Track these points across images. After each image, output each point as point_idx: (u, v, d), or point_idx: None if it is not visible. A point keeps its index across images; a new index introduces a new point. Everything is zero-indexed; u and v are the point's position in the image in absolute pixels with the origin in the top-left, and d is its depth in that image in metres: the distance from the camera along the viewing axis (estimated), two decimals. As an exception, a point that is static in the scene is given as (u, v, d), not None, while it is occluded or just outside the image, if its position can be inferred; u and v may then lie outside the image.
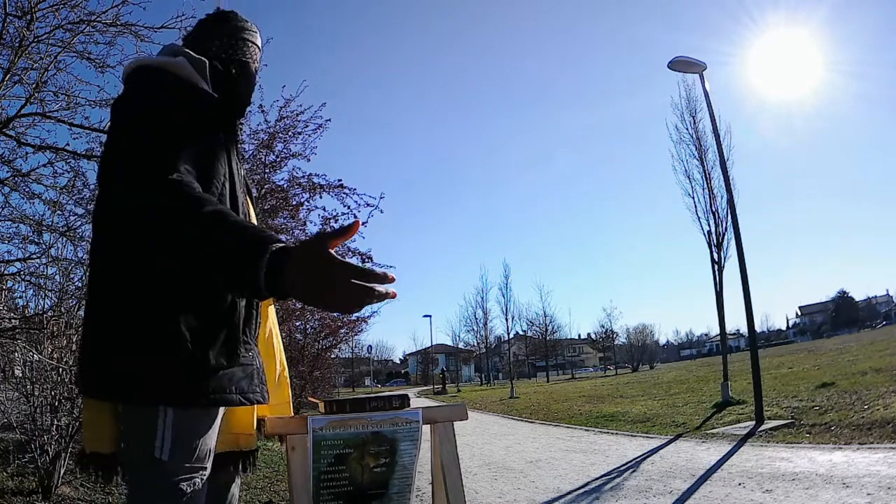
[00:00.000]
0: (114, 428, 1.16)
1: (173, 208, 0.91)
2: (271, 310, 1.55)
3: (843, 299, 73.36)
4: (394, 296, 0.86)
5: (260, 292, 0.85)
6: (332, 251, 0.84)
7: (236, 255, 0.86)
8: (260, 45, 1.43)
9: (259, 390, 1.25)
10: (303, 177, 6.01)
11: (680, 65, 8.60)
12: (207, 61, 1.25)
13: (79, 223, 4.08)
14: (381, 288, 0.83)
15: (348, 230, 0.88)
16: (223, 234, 0.88)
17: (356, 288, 0.82)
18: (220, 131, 1.20)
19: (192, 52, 1.24)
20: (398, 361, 79.68)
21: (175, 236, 0.91)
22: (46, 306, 4.29)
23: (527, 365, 61.62)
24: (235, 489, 1.47)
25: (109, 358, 1.07)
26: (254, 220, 1.43)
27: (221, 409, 1.22)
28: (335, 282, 0.82)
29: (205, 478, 1.15)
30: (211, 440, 1.17)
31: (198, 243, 0.89)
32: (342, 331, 12.34)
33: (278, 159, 5.86)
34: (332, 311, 0.99)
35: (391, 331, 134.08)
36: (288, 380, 1.57)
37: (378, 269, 0.85)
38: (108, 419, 1.16)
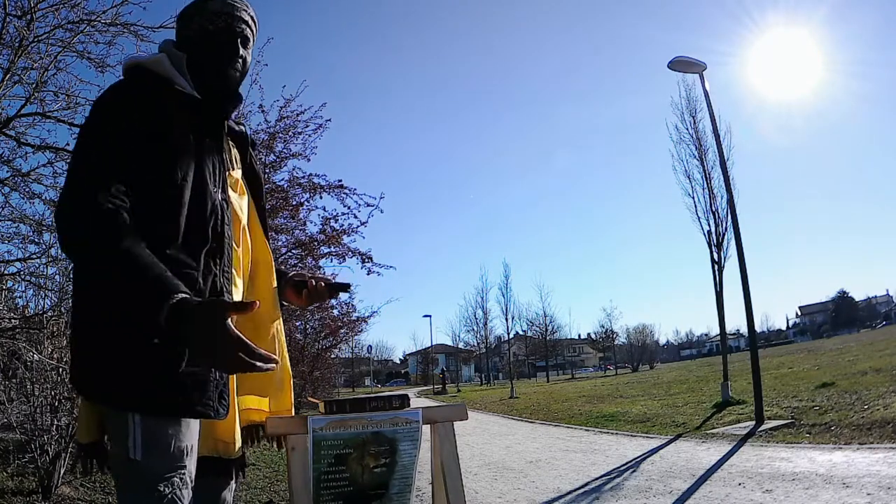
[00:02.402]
0: (92, 420, 1.22)
1: (92, 239, 1.00)
2: (278, 319, 1.49)
3: (843, 299, 73.37)
4: (273, 368, 0.98)
5: (159, 333, 0.96)
6: (229, 321, 0.95)
7: (141, 297, 0.97)
8: (239, 16, 1.34)
9: (212, 404, 1.18)
10: (303, 177, 6.01)
11: (680, 65, 8.60)
12: (185, 55, 1.28)
13: (79, 223, 4.07)
14: (261, 365, 0.95)
15: (248, 307, 0.97)
16: (131, 275, 0.97)
17: (241, 360, 0.94)
18: (194, 126, 1.21)
19: (173, 49, 1.29)
20: (398, 361, 79.66)
21: (92, 266, 1.02)
22: (46, 306, 4.29)
23: (527, 365, 61.61)
24: (228, 496, 1.42)
25: (77, 360, 1.16)
26: (242, 219, 1.37)
27: None
28: (225, 349, 0.94)
29: (185, 477, 1.13)
30: (187, 439, 1.14)
31: (109, 277, 1.00)
32: (342, 331, 12.34)
33: (278, 159, 5.86)
34: (215, 368, 1.08)
35: (391, 331, 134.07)
36: (291, 388, 1.50)
37: (264, 352, 0.96)
38: (86, 412, 1.23)
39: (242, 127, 1.46)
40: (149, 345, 1.06)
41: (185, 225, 1.16)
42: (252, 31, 1.36)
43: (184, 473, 1.13)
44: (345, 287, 1.67)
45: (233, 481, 1.44)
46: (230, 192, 1.32)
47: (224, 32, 1.30)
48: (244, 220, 1.39)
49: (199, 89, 1.27)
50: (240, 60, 1.33)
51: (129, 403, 1.10)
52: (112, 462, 1.15)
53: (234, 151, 1.41)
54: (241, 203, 1.38)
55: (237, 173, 1.39)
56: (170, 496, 1.09)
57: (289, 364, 1.51)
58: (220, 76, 1.30)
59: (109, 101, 1.18)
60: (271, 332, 1.45)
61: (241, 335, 0.96)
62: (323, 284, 1.56)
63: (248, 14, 1.35)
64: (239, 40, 1.31)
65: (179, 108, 1.20)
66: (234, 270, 1.33)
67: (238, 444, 1.35)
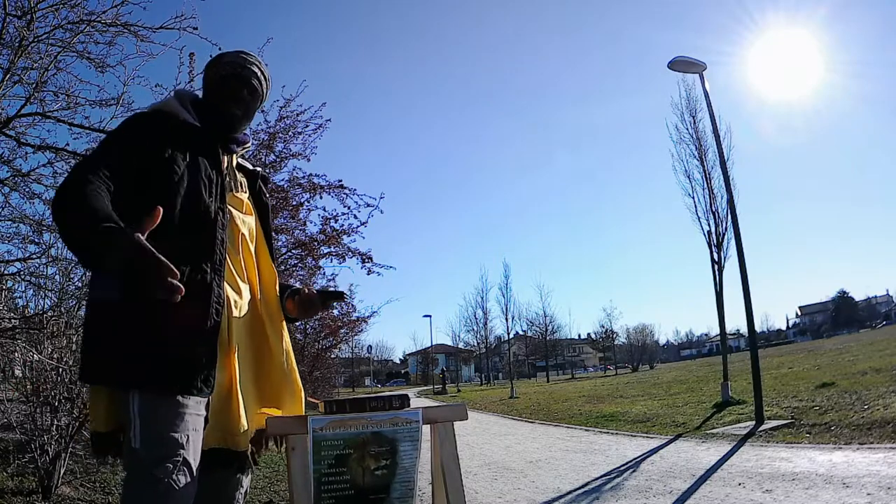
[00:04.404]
0: (111, 409, 1.30)
1: (67, 185, 1.21)
2: (286, 332, 1.58)
3: (843, 299, 73.36)
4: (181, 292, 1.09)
5: (95, 259, 1.12)
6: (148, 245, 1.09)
7: (75, 233, 1.15)
8: (248, 68, 1.53)
9: (196, 383, 1.28)
10: (303, 177, 6.00)
11: (680, 65, 8.59)
12: (188, 94, 1.53)
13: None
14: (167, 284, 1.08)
15: (154, 216, 1.16)
16: (74, 219, 1.15)
17: (155, 273, 1.07)
18: (194, 147, 1.40)
19: (182, 92, 1.55)
20: (398, 361, 79.68)
21: (60, 205, 1.19)
22: (46, 306, 4.29)
23: (527, 365, 61.60)
24: (241, 488, 1.49)
25: (85, 350, 1.32)
26: (242, 230, 1.52)
27: (199, 402, 1.29)
28: (143, 263, 1.08)
29: (180, 466, 1.21)
30: (182, 430, 1.23)
31: (63, 227, 1.18)
32: (342, 331, 12.34)
33: (278, 159, 5.84)
34: (145, 288, 1.10)
35: (391, 331, 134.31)
36: (302, 399, 1.56)
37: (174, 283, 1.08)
38: (105, 403, 1.30)
39: (258, 169, 1.68)
40: (140, 331, 1.22)
41: (178, 227, 1.31)
42: (260, 82, 1.55)
43: (178, 460, 1.21)
44: (338, 296, 1.66)
45: (245, 478, 1.51)
46: (234, 209, 1.49)
47: (231, 77, 1.51)
48: (244, 231, 1.53)
49: (203, 123, 1.47)
50: (243, 102, 1.51)
51: (127, 380, 1.24)
52: (123, 457, 1.26)
53: (242, 179, 1.59)
54: (244, 219, 1.54)
55: (242, 195, 1.57)
56: (165, 480, 1.18)
57: (298, 376, 1.57)
58: (224, 113, 1.49)
59: (119, 127, 1.42)
60: (283, 342, 1.56)
61: (154, 253, 1.08)
62: (315, 292, 1.62)
63: (258, 68, 1.55)
64: (245, 88, 1.51)
65: (181, 133, 1.40)
66: (231, 271, 1.45)
67: (245, 437, 1.41)
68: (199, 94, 1.61)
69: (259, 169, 1.69)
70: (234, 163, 1.57)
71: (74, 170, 1.28)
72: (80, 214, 1.14)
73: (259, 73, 1.54)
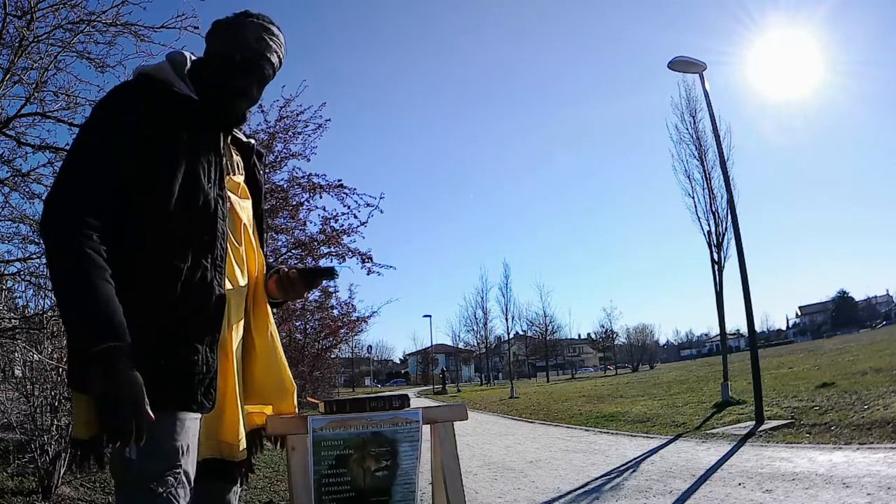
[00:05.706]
0: (92, 414, 1.15)
1: (59, 260, 1.10)
2: (271, 322, 1.46)
3: (843, 299, 73.34)
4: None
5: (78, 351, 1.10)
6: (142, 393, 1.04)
7: (74, 328, 1.09)
8: (267, 56, 1.34)
9: (196, 398, 1.18)
10: (303, 177, 5.99)
11: (680, 65, 8.60)
12: (183, 59, 1.33)
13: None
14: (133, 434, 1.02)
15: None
16: (74, 304, 1.06)
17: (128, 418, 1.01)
18: (190, 126, 1.24)
19: (176, 57, 1.33)
20: (398, 361, 79.69)
21: (53, 279, 1.12)
22: (46, 306, 4.28)
23: (527, 365, 61.59)
24: (233, 500, 1.40)
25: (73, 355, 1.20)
26: (243, 219, 1.39)
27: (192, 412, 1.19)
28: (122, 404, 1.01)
29: (180, 476, 1.13)
30: (182, 438, 1.14)
31: (60, 296, 1.10)
32: (342, 331, 12.32)
33: (278, 159, 5.84)
34: (103, 414, 1.04)
35: (391, 331, 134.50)
36: (294, 393, 1.46)
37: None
38: (87, 407, 1.16)
39: (252, 141, 1.50)
40: (135, 338, 1.08)
41: (174, 218, 1.19)
42: (274, 67, 1.36)
43: (178, 472, 1.13)
44: (327, 272, 1.47)
45: (237, 486, 1.41)
46: (231, 194, 1.35)
47: (243, 67, 1.30)
48: (244, 219, 1.40)
49: (199, 94, 1.29)
50: (251, 97, 1.34)
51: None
52: (111, 463, 1.15)
53: (237, 158, 1.44)
54: (242, 204, 1.41)
55: (239, 178, 1.42)
56: (165, 494, 1.10)
57: (289, 371, 1.46)
58: (228, 108, 1.32)
59: (106, 103, 1.23)
60: (268, 335, 1.43)
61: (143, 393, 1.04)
62: (295, 272, 1.45)
63: (278, 57, 1.35)
64: (256, 82, 1.33)
65: (175, 109, 1.24)
66: (233, 266, 1.33)
67: (242, 446, 1.32)
68: (198, 58, 1.39)
69: (253, 141, 1.51)
70: (229, 138, 1.40)
71: (65, 202, 1.12)
72: (80, 296, 1.05)
73: (278, 62, 1.36)
